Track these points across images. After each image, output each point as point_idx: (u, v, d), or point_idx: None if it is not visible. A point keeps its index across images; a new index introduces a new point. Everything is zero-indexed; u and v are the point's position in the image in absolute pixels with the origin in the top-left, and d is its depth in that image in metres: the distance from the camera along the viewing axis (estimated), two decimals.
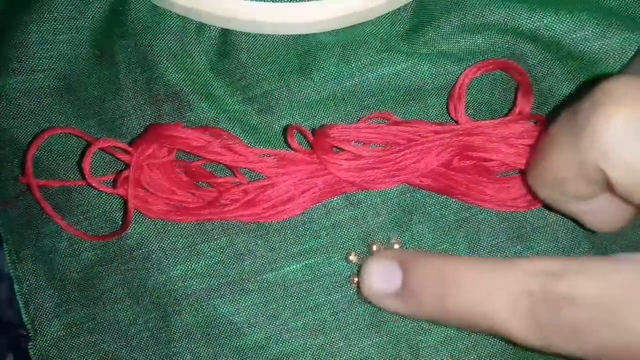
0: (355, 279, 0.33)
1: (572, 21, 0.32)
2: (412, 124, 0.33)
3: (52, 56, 0.33)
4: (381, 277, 0.30)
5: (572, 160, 0.24)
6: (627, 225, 0.29)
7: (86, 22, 0.34)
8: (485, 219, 0.34)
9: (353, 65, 0.34)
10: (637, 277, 0.23)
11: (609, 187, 0.24)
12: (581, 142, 0.23)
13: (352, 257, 0.33)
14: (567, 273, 0.24)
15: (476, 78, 0.33)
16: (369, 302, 0.31)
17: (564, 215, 0.30)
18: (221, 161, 0.32)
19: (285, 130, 0.33)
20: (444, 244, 0.34)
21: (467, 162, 0.33)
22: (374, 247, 0.33)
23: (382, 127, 0.32)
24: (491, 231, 0.33)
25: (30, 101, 0.33)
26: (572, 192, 0.26)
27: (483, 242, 0.33)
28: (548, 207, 0.31)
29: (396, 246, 0.33)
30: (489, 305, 0.25)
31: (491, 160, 0.32)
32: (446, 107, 0.34)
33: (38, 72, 0.33)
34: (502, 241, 0.33)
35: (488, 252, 0.33)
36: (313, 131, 0.33)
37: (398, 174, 0.32)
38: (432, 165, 0.32)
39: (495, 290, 0.25)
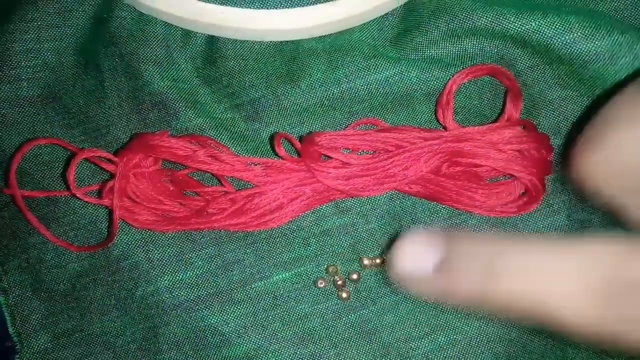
0: (322, 283, 0.33)
1: (560, 24, 0.32)
2: (400, 130, 0.32)
3: (36, 65, 0.33)
4: (417, 252, 0.25)
5: None
6: None
7: (70, 30, 0.33)
8: (474, 225, 0.33)
9: (341, 71, 0.33)
10: None
11: None
12: None
13: (325, 279, 0.33)
14: (634, 258, 0.21)
15: (465, 84, 0.33)
16: (400, 285, 0.26)
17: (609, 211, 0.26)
18: (208, 170, 0.32)
19: (272, 139, 0.33)
20: None
21: (457, 168, 0.33)
22: (365, 261, 0.33)
23: (370, 134, 0.32)
24: None
25: (14, 110, 0.33)
26: None
27: None
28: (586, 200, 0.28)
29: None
30: (545, 289, 0.22)
31: (480, 166, 0.32)
32: (434, 113, 0.33)
33: (22, 80, 0.33)
34: None
35: None
36: (301, 138, 0.33)
37: (387, 182, 0.32)
38: (421, 172, 0.31)
39: (554, 274, 0.22)
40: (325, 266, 0.33)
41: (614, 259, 0.21)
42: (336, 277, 0.33)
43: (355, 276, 0.33)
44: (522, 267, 0.23)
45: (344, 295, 0.33)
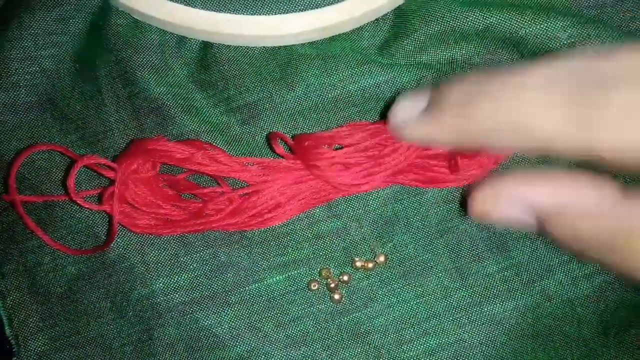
0: (315, 285, 0.33)
1: (549, 29, 0.32)
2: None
3: (34, 71, 0.33)
4: (408, 103, 0.27)
5: None
6: None
7: (67, 37, 0.34)
8: (465, 229, 0.34)
9: (334, 77, 0.34)
10: None
11: None
12: None
13: (314, 286, 0.34)
14: (603, 57, 0.21)
15: None
16: (400, 137, 0.28)
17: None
18: (205, 172, 0.32)
19: (268, 138, 0.33)
20: (426, 254, 0.34)
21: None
22: (357, 263, 0.33)
23: (359, 129, 0.32)
24: (471, 241, 0.34)
25: (12, 117, 0.33)
26: None
27: (464, 252, 0.34)
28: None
29: (381, 258, 0.33)
30: (524, 105, 0.22)
31: None
32: None
33: (20, 87, 0.33)
34: (483, 251, 0.34)
35: (469, 261, 0.34)
36: (293, 138, 0.33)
37: (378, 172, 0.32)
38: (411, 159, 0.32)
39: (531, 89, 0.22)
40: (318, 269, 0.34)
41: (576, 65, 0.22)
42: (329, 280, 0.33)
43: (345, 277, 0.33)
44: (494, 95, 0.23)
45: (337, 297, 0.33)
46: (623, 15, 0.34)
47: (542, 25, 0.32)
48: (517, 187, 0.24)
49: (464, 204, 0.33)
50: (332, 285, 0.33)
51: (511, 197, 0.24)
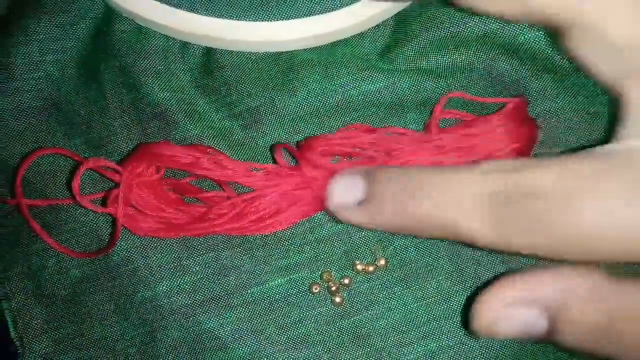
0: (316, 288, 0.34)
1: (548, 35, 0.33)
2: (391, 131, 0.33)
3: (39, 77, 0.34)
4: (344, 189, 0.29)
5: None
6: None
7: (72, 42, 0.34)
8: None
9: (336, 82, 0.34)
10: (596, 168, 0.23)
11: None
12: None
13: (315, 289, 0.34)
14: (526, 168, 0.24)
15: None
16: (336, 219, 0.30)
17: None
18: (210, 176, 0.33)
19: (272, 149, 0.34)
20: (426, 257, 0.34)
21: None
22: (358, 266, 0.34)
23: (362, 137, 0.33)
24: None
25: (17, 122, 0.34)
26: None
27: (464, 255, 0.34)
28: None
29: (382, 262, 0.34)
30: (451, 207, 0.25)
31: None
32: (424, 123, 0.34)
33: (25, 92, 0.34)
34: (482, 255, 0.34)
35: (470, 264, 0.34)
36: (298, 145, 0.33)
37: None
38: None
39: (457, 193, 0.25)
40: (320, 272, 0.34)
41: (503, 174, 0.24)
42: (330, 283, 0.34)
43: (346, 281, 0.34)
44: (427, 191, 0.26)
45: (338, 300, 0.34)
46: None
47: (541, 32, 0.33)
48: (523, 286, 0.25)
49: (465, 319, 0.33)
50: (333, 288, 0.34)
51: (519, 299, 0.25)
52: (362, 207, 0.28)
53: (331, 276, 0.34)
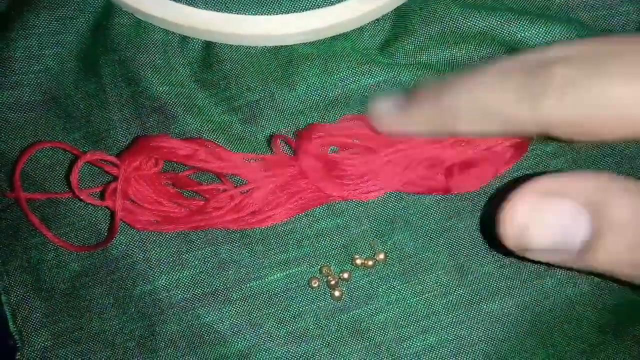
0: (316, 282, 0.34)
1: (548, 32, 0.33)
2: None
3: (38, 70, 0.34)
4: (384, 101, 0.30)
5: None
6: None
7: (71, 36, 0.34)
8: (465, 227, 0.34)
9: (335, 76, 0.34)
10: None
11: None
12: None
13: (315, 283, 0.34)
14: (546, 47, 0.25)
15: None
16: (379, 126, 0.31)
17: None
18: (208, 168, 0.33)
19: (269, 140, 0.34)
20: (426, 252, 0.34)
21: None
22: (358, 260, 0.34)
23: (363, 129, 0.33)
24: (471, 239, 0.34)
25: (17, 115, 0.34)
26: None
27: (463, 250, 0.34)
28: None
29: (381, 256, 0.34)
30: (481, 90, 0.26)
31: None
32: None
33: (25, 86, 0.34)
34: (482, 249, 0.34)
35: (468, 259, 0.34)
36: (296, 134, 0.33)
37: (373, 189, 0.33)
38: (408, 178, 0.32)
39: (487, 77, 0.26)
40: (319, 267, 0.34)
41: (524, 56, 0.25)
42: (329, 277, 0.34)
43: (346, 275, 0.34)
44: (459, 86, 0.27)
45: (337, 294, 0.34)
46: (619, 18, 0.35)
47: (540, 29, 0.33)
48: (558, 181, 0.23)
49: (486, 231, 0.33)
50: (333, 282, 0.34)
51: (557, 189, 0.22)
52: (401, 108, 0.29)
53: (330, 270, 0.34)
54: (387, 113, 0.30)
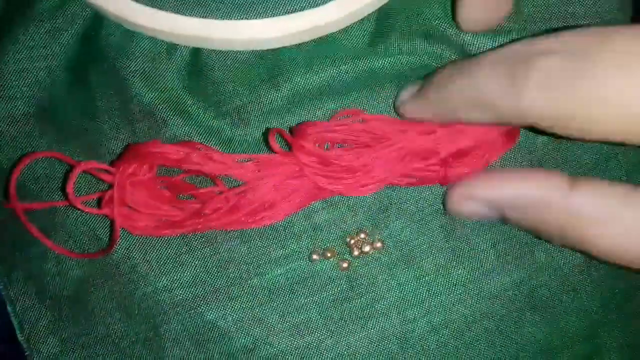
0: (315, 256, 0.34)
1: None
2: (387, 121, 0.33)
3: (30, 83, 0.34)
4: (408, 90, 0.33)
5: None
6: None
7: (60, 48, 0.35)
8: (461, 221, 0.35)
9: (320, 75, 0.34)
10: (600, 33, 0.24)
11: None
12: None
13: (315, 257, 0.35)
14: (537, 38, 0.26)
15: None
16: (401, 114, 0.33)
17: None
18: (202, 171, 0.33)
19: (266, 134, 0.34)
20: (422, 236, 0.34)
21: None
22: (355, 250, 0.34)
23: (357, 125, 0.33)
24: (463, 220, 0.34)
25: (11, 128, 0.34)
26: None
27: (457, 231, 0.34)
28: None
29: (378, 244, 0.34)
30: (477, 78, 0.27)
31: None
32: None
33: (17, 99, 0.34)
34: (474, 228, 0.34)
35: (463, 241, 0.34)
36: (291, 130, 0.34)
37: (369, 184, 0.33)
38: (403, 170, 0.33)
39: (482, 67, 0.28)
40: (322, 249, 0.34)
41: (515, 46, 0.27)
42: (334, 258, 0.34)
43: (345, 264, 0.34)
44: (461, 75, 0.29)
45: (345, 265, 0.34)
46: None
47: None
48: (482, 189, 0.30)
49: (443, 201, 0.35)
50: (336, 258, 0.34)
51: (478, 198, 0.31)
52: (415, 97, 0.32)
53: (334, 252, 0.34)
54: (403, 101, 0.33)
